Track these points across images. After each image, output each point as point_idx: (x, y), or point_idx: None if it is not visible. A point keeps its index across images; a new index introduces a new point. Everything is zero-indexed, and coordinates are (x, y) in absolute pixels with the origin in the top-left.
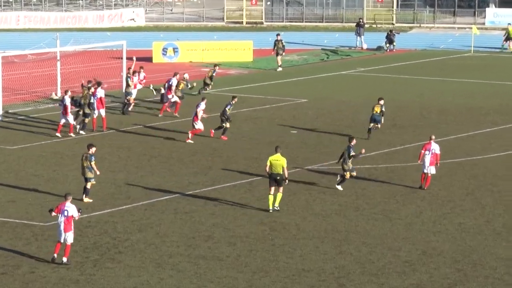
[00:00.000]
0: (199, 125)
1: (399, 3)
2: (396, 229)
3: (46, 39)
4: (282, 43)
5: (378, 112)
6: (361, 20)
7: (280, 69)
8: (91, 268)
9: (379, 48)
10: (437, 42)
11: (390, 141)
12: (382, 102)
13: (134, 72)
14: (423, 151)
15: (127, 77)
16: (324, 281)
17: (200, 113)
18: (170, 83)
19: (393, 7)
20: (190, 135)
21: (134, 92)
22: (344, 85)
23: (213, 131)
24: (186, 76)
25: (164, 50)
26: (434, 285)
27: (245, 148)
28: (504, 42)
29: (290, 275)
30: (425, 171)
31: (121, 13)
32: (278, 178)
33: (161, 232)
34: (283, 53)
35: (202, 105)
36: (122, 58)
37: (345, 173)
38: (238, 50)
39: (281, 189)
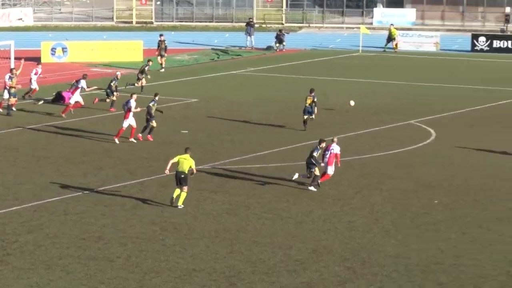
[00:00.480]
0: (128, 123)
1: (289, 3)
2: (287, 228)
3: None
4: (165, 43)
5: (309, 103)
6: (251, 19)
7: (162, 70)
8: None
9: (269, 48)
10: (326, 42)
11: (282, 141)
12: (313, 93)
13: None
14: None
15: (10, 78)
16: (215, 281)
17: (132, 111)
18: (79, 85)
19: (282, 7)
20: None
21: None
22: (235, 84)
23: (140, 135)
24: (118, 74)
25: (53, 50)
26: (324, 283)
27: (136, 148)
28: (387, 42)
29: (181, 275)
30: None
31: (8, 12)
32: (182, 176)
33: (51, 234)
34: (165, 54)
35: (132, 102)
36: (10, 58)
37: (313, 171)
38: (128, 50)
39: (185, 188)
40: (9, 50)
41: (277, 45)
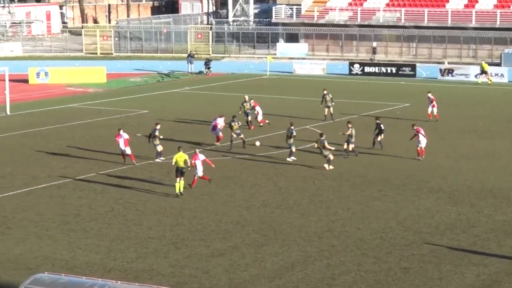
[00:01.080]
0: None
1: (214, 38)
2: (217, 206)
3: None
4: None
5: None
6: (192, 52)
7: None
8: None
9: (200, 72)
10: (242, 68)
11: (212, 139)
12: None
13: None
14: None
15: None
16: (165, 246)
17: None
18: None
19: (209, 42)
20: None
21: None
22: (176, 99)
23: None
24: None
25: (38, 74)
26: (246, 246)
27: (102, 147)
28: (480, 75)
29: (139, 242)
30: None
31: (3, 46)
32: (183, 170)
33: (40, 212)
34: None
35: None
36: (4, 81)
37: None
38: (94, 74)
39: (182, 178)
40: (4, 74)
41: (206, 70)
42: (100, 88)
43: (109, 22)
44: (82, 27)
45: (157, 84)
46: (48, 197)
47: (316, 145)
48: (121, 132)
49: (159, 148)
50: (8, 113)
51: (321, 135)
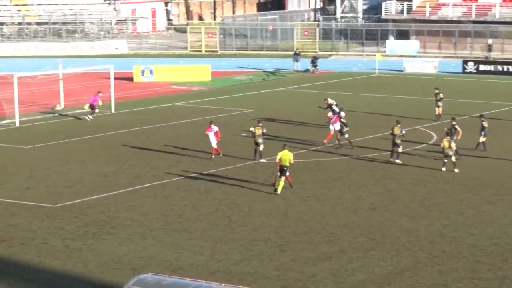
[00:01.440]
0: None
1: (321, 36)
2: (324, 208)
3: (51, 64)
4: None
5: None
6: (297, 49)
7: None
8: (90, 239)
9: (307, 70)
10: (350, 66)
11: (318, 140)
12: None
13: None
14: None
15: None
16: (270, 248)
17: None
18: (341, 114)
19: (316, 39)
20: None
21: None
22: (281, 98)
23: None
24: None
25: (142, 72)
26: (353, 250)
27: (206, 147)
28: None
29: (244, 244)
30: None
31: (108, 44)
32: (285, 168)
33: (144, 211)
34: None
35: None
36: (110, 78)
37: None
38: (199, 72)
39: (283, 178)
40: (109, 72)
41: (312, 68)
42: (205, 87)
43: (214, 19)
44: (187, 24)
45: (262, 82)
46: (152, 196)
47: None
48: (212, 125)
49: (261, 147)
50: (113, 111)
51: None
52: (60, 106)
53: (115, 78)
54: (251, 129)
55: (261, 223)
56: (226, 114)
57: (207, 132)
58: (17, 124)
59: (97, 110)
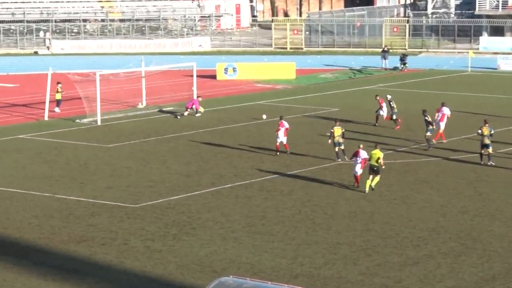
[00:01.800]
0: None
1: (411, 32)
2: (411, 211)
3: (134, 61)
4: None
5: (486, 134)
6: (386, 46)
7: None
8: (171, 240)
9: (395, 68)
10: (441, 63)
11: (409, 140)
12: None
13: None
14: (354, 158)
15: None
16: (355, 252)
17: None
18: (446, 113)
19: (405, 36)
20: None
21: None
22: (369, 96)
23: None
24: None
25: (226, 70)
26: (442, 256)
27: (291, 146)
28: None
29: (327, 247)
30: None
31: (191, 40)
32: (375, 168)
33: (225, 213)
34: None
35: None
36: (192, 76)
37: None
38: (283, 70)
39: (378, 176)
40: (192, 70)
41: (401, 66)
42: (289, 85)
43: (300, 15)
44: (272, 20)
45: (349, 80)
46: (234, 197)
47: None
48: (283, 121)
49: (342, 147)
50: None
51: None
52: (142, 104)
53: (197, 76)
54: (331, 129)
55: (346, 226)
56: (311, 113)
57: (279, 127)
58: (99, 123)
59: (186, 113)
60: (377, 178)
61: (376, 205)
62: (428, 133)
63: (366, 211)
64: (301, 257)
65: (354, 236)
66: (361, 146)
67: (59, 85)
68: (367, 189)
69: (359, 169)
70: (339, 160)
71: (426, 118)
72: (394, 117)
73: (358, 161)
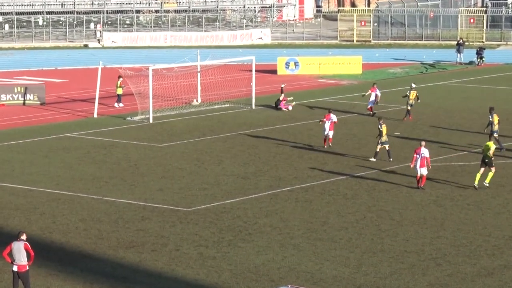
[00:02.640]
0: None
1: (489, 24)
2: (486, 218)
3: (189, 55)
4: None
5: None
6: (461, 39)
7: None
8: (226, 247)
9: (471, 62)
10: None
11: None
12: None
13: None
14: (415, 155)
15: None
16: (424, 261)
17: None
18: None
19: (483, 28)
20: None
21: None
22: (441, 93)
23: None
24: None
25: (287, 64)
26: None
27: (354, 148)
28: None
29: (394, 256)
30: (418, 173)
31: (251, 33)
32: (486, 160)
33: (284, 218)
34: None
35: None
36: (251, 71)
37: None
38: (349, 64)
39: (492, 169)
40: (251, 64)
41: (478, 60)
42: (355, 80)
43: (368, 5)
44: (338, 11)
45: (420, 76)
46: (293, 201)
47: None
48: (331, 113)
49: (387, 146)
50: (254, 107)
51: None
52: (197, 101)
53: (257, 71)
54: (379, 128)
55: (414, 233)
56: (379, 110)
57: (324, 119)
58: (151, 120)
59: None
60: (491, 174)
61: (447, 211)
62: (495, 134)
63: (436, 217)
64: (365, 266)
65: (423, 244)
66: (423, 143)
67: (120, 79)
68: (476, 183)
69: (421, 169)
70: (372, 159)
71: (490, 117)
72: (409, 108)
73: (419, 159)
